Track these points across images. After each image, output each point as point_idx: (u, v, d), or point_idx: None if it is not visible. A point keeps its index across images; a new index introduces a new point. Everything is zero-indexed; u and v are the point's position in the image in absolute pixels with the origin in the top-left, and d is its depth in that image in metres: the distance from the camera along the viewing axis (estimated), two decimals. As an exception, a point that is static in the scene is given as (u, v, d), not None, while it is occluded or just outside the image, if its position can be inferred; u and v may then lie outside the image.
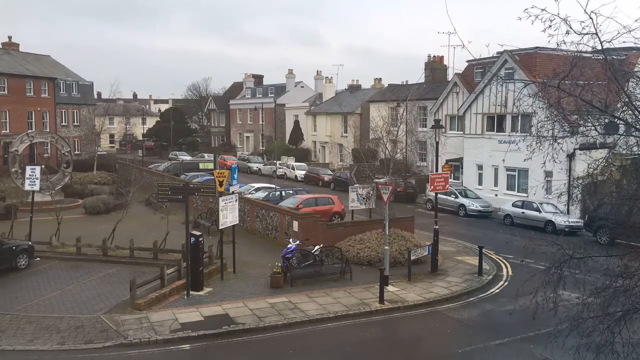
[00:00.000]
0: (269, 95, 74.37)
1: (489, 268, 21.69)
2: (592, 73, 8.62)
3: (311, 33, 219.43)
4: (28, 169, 24.89)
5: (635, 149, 8.59)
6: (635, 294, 8.00)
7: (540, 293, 8.67)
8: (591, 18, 7.70)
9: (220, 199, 19.21)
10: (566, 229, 27.37)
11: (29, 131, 40.71)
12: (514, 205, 31.91)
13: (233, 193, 21.15)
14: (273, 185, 37.55)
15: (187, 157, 64.90)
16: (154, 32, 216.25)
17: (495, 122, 37.99)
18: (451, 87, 43.97)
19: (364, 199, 25.15)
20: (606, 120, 8.75)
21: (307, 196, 30.87)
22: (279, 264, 19.29)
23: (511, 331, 14.94)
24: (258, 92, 77.43)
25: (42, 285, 18.55)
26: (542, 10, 7.81)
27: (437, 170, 27.16)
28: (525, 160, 10.64)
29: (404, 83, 57.34)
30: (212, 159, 46.82)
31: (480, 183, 38.98)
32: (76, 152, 53.01)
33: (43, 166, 29.42)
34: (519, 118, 34.61)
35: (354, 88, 65.86)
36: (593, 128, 8.75)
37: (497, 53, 35.87)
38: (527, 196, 31.10)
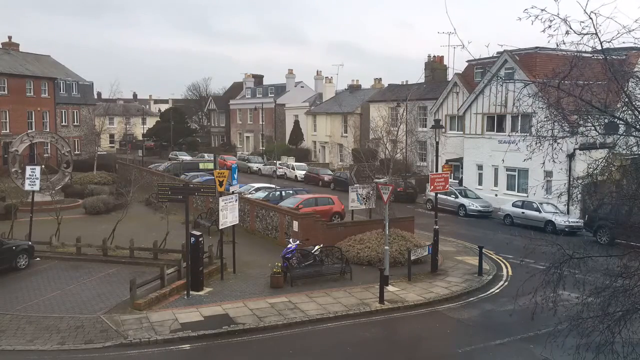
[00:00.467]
0: (269, 95, 74.39)
1: (489, 268, 21.70)
2: (591, 73, 8.62)
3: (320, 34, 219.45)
4: (28, 169, 24.89)
5: (635, 149, 8.58)
6: (635, 294, 8.00)
7: (540, 293, 8.67)
8: (591, 18, 7.70)
9: (220, 199, 19.21)
10: (566, 229, 27.38)
11: (29, 131, 40.71)
12: (514, 205, 31.91)
13: (233, 193, 21.15)
14: (273, 185, 37.55)
15: (187, 157, 64.90)
16: (154, 31, 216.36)
17: (495, 122, 37.99)
18: (451, 87, 43.98)
19: (364, 199, 25.15)
20: (606, 120, 8.76)
21: (307, 196, 30.88)
22: (279, 264, 19.29)
23: (511, 331, 14.94)
24: (258, 92, 77.46)
25: (42, 285, 18.55)
26: (542, 10, 7.81)
27: (437, 170, 27.18)
28: (525, 160, 10.65)
29: (404, 83, 57.36)
30: (212, 159, 46.84)
31: (480, 183, 38.98)
32: (76, 152, 53.01)
33: (43, 166, 29.42)
34: (519, 118, 34.60)
35: (354, 88, 65.88)
36: (593, 128, 8.75)
37: (497, 53, 35.88)
38: (527, 196, 31.09)
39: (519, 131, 33.50)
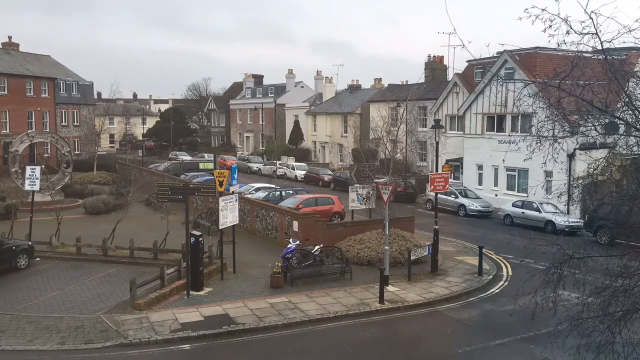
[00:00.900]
0: (269, 95, 74.38)
1: (489, 268, 21.69)
2: (592, 73, 8.61)
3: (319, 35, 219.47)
4: (28, 169, 24.89)
5: (635, 149, 8.58)
6: (635, 294, 8.00)
7: (540, 293, 8.67)
8: (591, 18, 7.70)
9: (220, 199, 19.20)
10: (566, 229, 27.38)
11: (29, 131, 40.71)
12: (514, 205, 31.91)
13: (233, 193, 21.15)
14: (273, 185, 37.54)
15: (187, 157, 64.90)
16: (152, 31, 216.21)
17: (495, 122, 37.99)
18: (451, 87, 43.98)
19: (364, 199, 25.15)
20: (606, 120, 8.75)
21: (307, 196, 30.87)
22: (279, 264, 19.29)
23: (511, 331, 14.93)
24: (258, 92, 77.45)
25: (42, 285, 18.55)
26: (543, 10, 7.81)
27: (437, 170, 27.16)
28: (525, 160, 10.64)
29: (404, 83, 57.35)
30: (212, 159, 46.81)
31: (480, 183, 38.98)
32: (76, 152, 53.02)
33: (43, 166, 29.43)
34: (519, 118, 34.61)
35: (354, 88, 65.87)
36: (593, 128, 8.75)
37: (497, 53, 35.87)
38: (527, 196, 31.10)
39: (519, 131, 33.52)
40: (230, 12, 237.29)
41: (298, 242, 20.82)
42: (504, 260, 23.07)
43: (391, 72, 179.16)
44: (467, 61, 42.31)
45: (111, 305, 16.44)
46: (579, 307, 8.43)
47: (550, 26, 7.82)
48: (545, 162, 8.93)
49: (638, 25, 7.59)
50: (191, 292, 17.58)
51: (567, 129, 8.86)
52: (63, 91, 58.23)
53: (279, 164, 54.60)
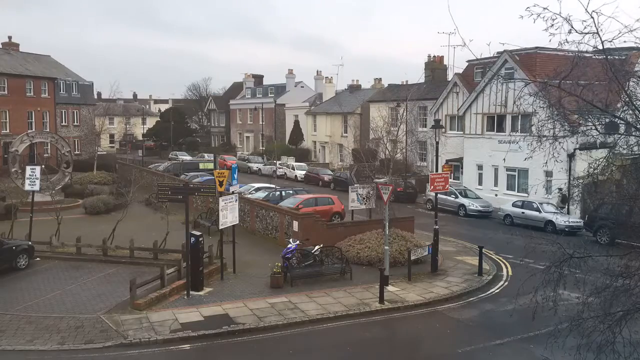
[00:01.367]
0: (269, 95, 74.38)
1: (489, 268, 21.69)
2: (592, 73, 8.61)
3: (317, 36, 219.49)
4: (28, 169, 24.88)
5: (635, 148, 8.58)
6: (635, 294, 7.99)
7: (540, 292, 8.66)
8: (592, 17, 7.69)
9: (220, 199, 19.20)
10: (566, 229, 27.38)
11: (29, 131, 40.71)
12: (514, 205, 31.90)
13: (233, 193, 21.14)
14: (273, 185, 37.51)
15: (187, 157, 64.89)
16: (152, 31, 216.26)
17: (495, 122, 37.99)
18: (451, 87, 43.98)
19: (364, 199, 25.14)
20: (607, 120, 8.75)
21: (307, 196, 30.86)
22: (279, 264, 19.28)
23: (511, 331, 14.93)
24: (258, 92, 77.45)
25: (42, 285, 18.54)
26: (544, 9, 7.80)
27: (437, 170, 27.13)
28: (525, 159, 10.64)
29: (404, 83, 57.33)
30: (212, 159, 46.82)
31: (480, 183, 38.97)
32: (76, 152, 53.03)
33: (43, 166, 29.39)
34: (519, 118, 34.60)
35: (354, 88, 65.87)
36: (593, 128, 8.75)
37: (497, 53, 35.87)
38: (527, 196, 31.08)
39: (519, 131, 33.52)
40: (230, 12, 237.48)
41: (298, 242, 20.82)
42: (504, 260, 23.06)
43: (391, 72, 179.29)
44: (467, 61, 42.37)
45: (111, 305, 16.43)
46: (580, 307, 8.42)
47: (552, 25, 7.82)
48: (546, 162, 8.93)
49: (639, 24, 7.58)
50: (191, 292, 17.57)
51: (568, 129, 8.86)
52: (63, 91, 58.22)
53: (279, 164, 54.58)
